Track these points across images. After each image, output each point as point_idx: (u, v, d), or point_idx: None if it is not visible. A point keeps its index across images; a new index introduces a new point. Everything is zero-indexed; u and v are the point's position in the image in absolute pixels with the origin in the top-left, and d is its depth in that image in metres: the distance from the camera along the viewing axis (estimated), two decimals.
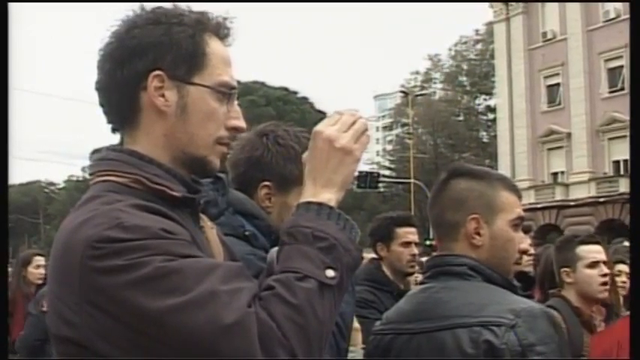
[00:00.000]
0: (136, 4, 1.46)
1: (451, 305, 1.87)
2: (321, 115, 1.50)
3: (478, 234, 1.97)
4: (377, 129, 72.26)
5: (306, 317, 1.24)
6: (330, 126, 1.43)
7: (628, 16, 25.65)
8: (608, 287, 3.48)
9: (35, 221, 72.02)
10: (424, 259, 4.18)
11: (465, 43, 50.43)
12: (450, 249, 2.01)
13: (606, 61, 32.83)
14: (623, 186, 29.92)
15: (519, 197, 2.07)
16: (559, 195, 33.91)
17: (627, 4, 27.15)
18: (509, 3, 37.29)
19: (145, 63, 1.40)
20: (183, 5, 1.47)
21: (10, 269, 6.39)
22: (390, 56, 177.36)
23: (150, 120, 1.43)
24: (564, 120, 34.30)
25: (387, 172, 47.13)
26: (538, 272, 4.12)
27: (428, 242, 19.56)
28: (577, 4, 33.47)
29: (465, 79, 51.25)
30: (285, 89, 56.35)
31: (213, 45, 1.45)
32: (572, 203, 33.16)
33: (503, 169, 33.55)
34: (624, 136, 29.86)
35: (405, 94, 46.67)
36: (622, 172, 31.59)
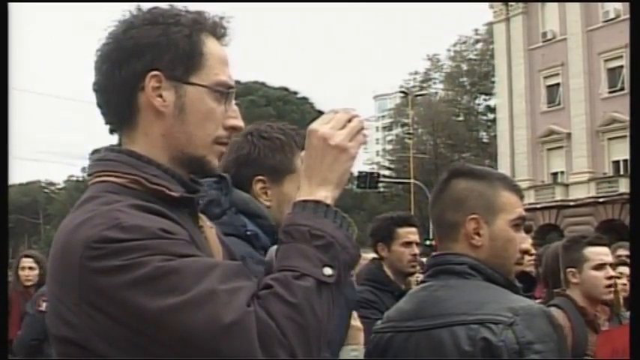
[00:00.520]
0: (133, 5, 1.47)
1: (450, 303, 1.87)
2: (321, 115, 1.49)
3: (478, 234, 1.97)
4: (377, 129, 72.29)
5: (305, 316, 1.24)
6: (325, 124, 1.43)
7: (628, 16, 25.67)
8: (613, 289, 3.48)
9: (35, 221, 71.99)
10: (424, 259, 4.18)
11: (464, 42, 50.44)
12: (450, 249, 2.01)
13: (606, 61, 32.84)
14: (623, 186, 29.92)
15: (521, 197, 2.07)
16: (559, 195, 33.92)
17: (627, 4, 27.16)
18: (509, 3, 37.28)
19: (142, 63, 1.40)
20: (179, 5, 1.47)
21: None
22: (390, 56, 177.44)
23: (148, 120, 1.43)
24: (564, 120, 34.30)
25: (386, 173, 47.11)
26: (542, 271, 4.13)
27: (428, 242, 19.55)
28: (577, 5, 33.47)
29: (465, 79, 51.23)
30: (285, 89, 56.35)
31: (210, 45, 1.45)
32: (571, 203, 33.16)
33: (503, 169, 33.52)
34: (624, 137, 29.86)
35: (405, 94, 46.67)
36: (622, 172, 31.58)
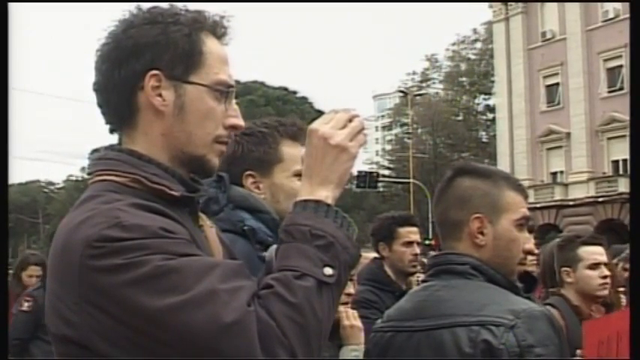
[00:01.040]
0: (133, 4, 1.46)
1: (451, 304, 1.86)
2: (321, 115, 1.49)
3: (481, 233, 1.95)
4: (376, 129, 72.29)
5: (305, 316, 1.24)
6: (325, 124, 1.43)
7: (627, 15, 25.68)
8: (607, 287, 3.49)
9: (34, 221, 71.99)
10: (424, 259, 4.17)
11: (463, 42, 50.44)
12: (452, 248, 2.00)
13: (605, 60, 32.83)
14: (622, 186, 29.93)
15: (525, 197, 2.06)
16: (558, 195, 33.92)
17: (626, 4, 27.17)
18: (509, 3, 37.28)
19: (142, 63, 1.40)
20: (179, 5, 1.47)
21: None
22: (389, 56, 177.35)
23: (148, 120, 1.43)
24: (563, 120, 34.31)
25: (386, 172, 47.14)
26: (539, 270, 4.13)
27: (427, 242, 19.56)
28: (576, 4, 33.47)
29: (464, 79, 51.22)
30: (285, 89, 56.38)
31: (210, 44, 1.45)
32: (571, 203, 33.16)
33: (503, 168, 33.17)
34: (623, 136, 29.87)
35: (405, 94, 46.67)
36: (621, 172, 31.59)
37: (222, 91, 1.45)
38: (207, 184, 1.66)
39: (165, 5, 1.47)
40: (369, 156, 59.17)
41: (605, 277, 3.47)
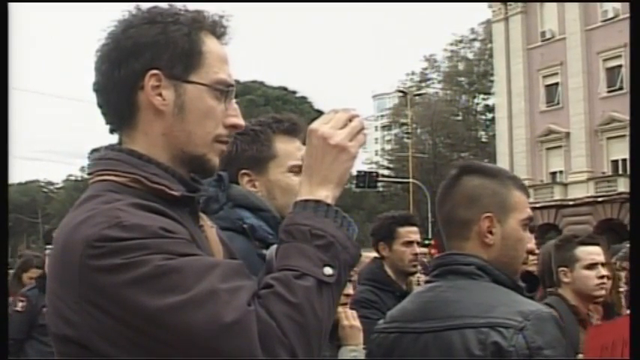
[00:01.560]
0: (132, 4, 1.46)
1: (459, 305, 1.85)
2: (320, 115, 1.49)
3: (490, 232, 1.94)
4: (376, 129, 72.24)
5: (306, 315, 1.24)
6: (325, 123, 1.43)
7: (627, 15, 25.69)
8: (604, 286, 3.49)
9: (34, 221, 71.93)
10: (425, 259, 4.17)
11: (461, 41, 50.45)
12: (460, 247, 1.98)
13: (605, 60, 32.83)
14: (622, 185, 29.93)
15: (528, 196, 2.06)
16: (558, 194, 33.92)
17: (626, 3, 27.19)
18: (508, 3, 37.28)
19: (141, 63, 1.40)
20: (179, 5, 1.47)
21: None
22: (389, 56, 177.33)
23: (148, 119, 1.43)
24: (563, 119, 34.31)
25: (385, 172, 47.16)
26: (538, 270, 4.13)
27: (427, 242, 19.56)
28: (576, 4, 33.46)
29: (463, 78, 51.24)
30: (284, 89, 56.43)
31: (210, 43, 1.45)
32: (570, 203, 33.16)
33: None
34: (623, 136, 29.88)
35: (404, 93, 46.68)
36: (620, 172, 31.59)
37: (222, 90, 1.45)
38: (207, 184, 1.66)
39: (164, 5, 1.47)
40: (369, 156, 59.19)
41: (602, 277, 3.48)
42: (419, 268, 4.28)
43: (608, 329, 3.09)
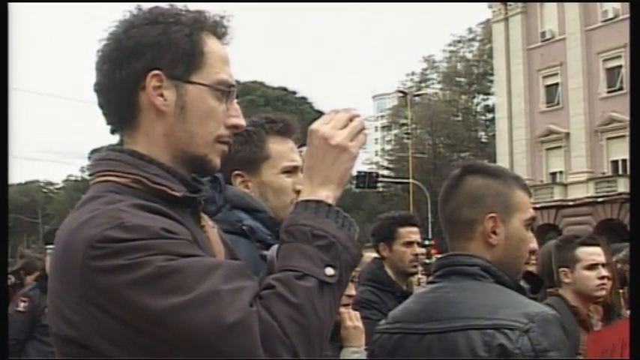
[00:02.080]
0: (133, 5, 1.46)
1: (464, 306, 1.85)
2: (320, 115, 1.49)
3: (494, 233, 1.94)
4: (375, 129, 72.28)
5: (307, 316, 1.24)
6: (325, 124, 1.43)
7: (627, 15, 25.68)
8: (604, 287, 3.49)
9: (34, 221, 71.95)
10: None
11: (459, 42, 50.48)
12: (463, 247, 1.97)
13: (605, 60, 32.83)
14: (622, 186, 29.93)
15: (530, 196, 2.06)
16: (558, 195, 33.91)
17: (626, 4, 27.18)
18: (508, 3, 37.29)
19: (143, 63, 1.40)
20: (180, 5, 1.47)
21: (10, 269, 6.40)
22: (389, 56, 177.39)
23: (149, 120, 1.43)
24: (563, 120, 34.31)
25: (385, 172, 47.14)
26: (538, 270, 4.13)
27: (427, 242, 19.56)
28: (576, 4, 33.46)
29: (462, 79, 51.26)
30: (284, 89, 56.44)
31: (211, 44, 1.45)
32: (570, 203, 33.15)
33: None
34: (623, 136, 29.88)
35: (404, 94, 46.68)
36: (620, 172, 31.59)
37: (224, 90, 1.45)
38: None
39: (165, 5, 1.47)
40: (369, 156, 59.23)
41: (602, 277, 3.47)
42: (420, 268, 4.28)
43: (608, 334, 3.11)
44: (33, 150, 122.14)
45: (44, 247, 5.77)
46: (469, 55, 50.99)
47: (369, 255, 4.33)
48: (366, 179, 30.91)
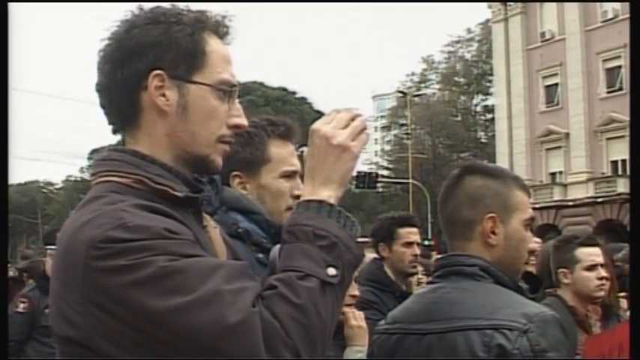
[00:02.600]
0: (134, 4, 1.46)
1: (463, 306, 1.85)
2: (320, 116, 1.49)
3: (493, 233, 1.94)
4: (375, 129, 72.22)
5: (309, 316, 1.24)
6: (327, 123, 1.43)
7: (626, 16, 25.68)
8: (603, 288, 3.49)
9: (33, 221, 71.96)
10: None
11: (458, 42, 50.50)
12: (463, 248, 1.98)
13: (604, 61, 32.82)
14: (622, 186, 29.93)
15: (529, 196, 2.06)
16: (557, 195, 33.91)
17: (625, 4, 27.18)
18: (508, 3, 37.29)
19: (144, 63, 1.40)
20: (181, 5, 1.47)
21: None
22: (388, 56, 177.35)
23: (151, 120, 1.43)
24: (562, 120, 34.30)
25: (385, 173, 47.15)
26: (537, 271, 4.14)
27: (427, 242, 19.54)
28: (575, 5, 33.46)
29: (461, 79, 51.28)
30: (284, 89, 56.46)
31: (213, 43, 1.45)
32: (570, 203, 33.15)
33: None
34: (622, 136, 29.89)
35: (404, 94, 46.69)
36: (620, 172, 31.59)
37: (226, 90, 1.45)
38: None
39: (167, 5, 1.47)
40: (369, 156, 59.20)
41: (601, 278, 3.47)
42: (420, 268, 4.28)
43: (606, 338, 3.13)
44: (33, 150, 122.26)
45: (44, 248, 5.78)
46: (468, 56, 51.01)
47: (369, 255, 4.33)
48: (366, 179, 30.88)
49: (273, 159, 2.21)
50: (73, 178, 71.74)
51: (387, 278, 4.10)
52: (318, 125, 1.43)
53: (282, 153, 2.22)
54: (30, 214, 71.53)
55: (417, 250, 4.20)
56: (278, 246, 1.39)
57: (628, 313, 3.67)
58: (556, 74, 34.98)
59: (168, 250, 1.24)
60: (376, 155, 61.04)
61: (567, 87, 34.15)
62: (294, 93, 56.71)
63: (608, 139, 32.62)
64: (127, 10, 1.45)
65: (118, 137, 1.51)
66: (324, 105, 60.33)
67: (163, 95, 1.41)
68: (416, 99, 47.98)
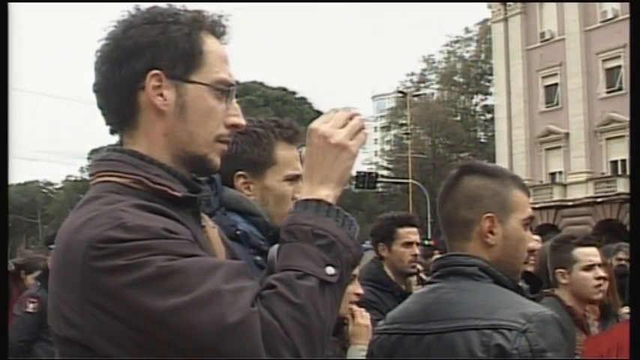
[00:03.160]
0: (131, 4, 1.46)
1: (462, 307, 1.85)
2: (320, 116, 1.49)
3: (491, 233, 1.94)
4: (375, 129, 72.21)
5: (309, 316, 1.24)
6: (325, 123, 1.43)
7: (626, 16, 25.68)
8: (601, 288, 3.49)
9: (33, 221, 71.94)
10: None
11: (457, 42, 50.49)
12: (461, 248, 1.98)
13: (604, 61, 32.82)
14: (621, 186, 29.94)
15: (529, 196, 2.06)
16: (557, 195, 33.91)
17: (625, 4, 27.18)
18: (508, 3, 37.29)
19: (142, 63, 1.39)
20: (178, 5, 1.47)
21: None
22: (388, 56, 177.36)
23: (149, 120, 1.43)
24: (562, 120, 34.30)
25: (385, 173, 47.16)
26: (535, 271, 4.14)
27: (427, 242, 19.53)
28: (575, 5, 33.46)
29: (461, 79, 51.27)
30: (284, 89, 56.50)
31: (210, 43, 1.45)
32: (570, 203, 33.15)
33: None
34: (622, 136, 29.90)
35: (403, 94, 46.68)
36: (620, 172, 31.59)
37: (223, 89, 1.45)
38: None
39: (164, 5, 1.47)
40: (368, 156, 59.25)
41: (599, 278, 3.48)
42: (421, 268, 4.28)
43: (605, 338, 3.14)
44: (33, 150, 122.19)
45: (44, 248, 5.78)
46: (467, 55, 51.00)
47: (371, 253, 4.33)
48: (366, 179, 30.85)
49: (279, 161, 2.21)
50: (72, 178, 71.73)
51: (387, 278, 4.10)
52: (316, 124, 1.43)
53: (288, 156, 2.22)
54: (30, 214, 71.52)
55: (417, 250, 4.20)
56: (276, 246, 1.39)
57: (627, 311, 3.68)
58: (556, 74, 34.99)
59: (168, 249, 1.24)
60: (376, 155, 61.04)
61: (567, 87, 34.16)
62: (293, 93, 56.75)
63: (608, 139, 32.62)
64: (123, 10, 1.45)
65: (117, 137, 1.51)
66: (323, 105, 60.33)
67: (161, 95, 1.41)
68: (415, 99, 47.96)
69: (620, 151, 30.58)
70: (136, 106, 1.42)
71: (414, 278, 4.47)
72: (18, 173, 76.30)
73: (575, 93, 33.72)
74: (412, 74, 53.27)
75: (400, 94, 47.99)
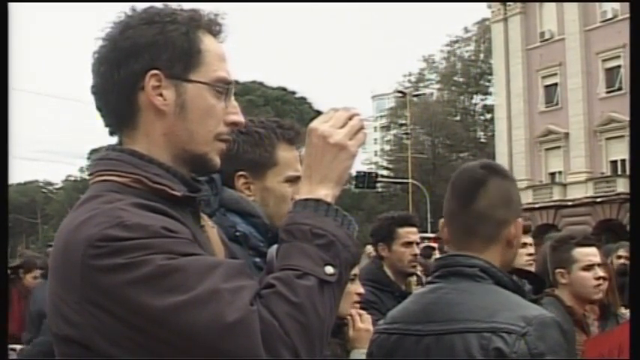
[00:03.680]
0: (127, 5, 1.46)
1: (462, 308, 1.84)
2: (319, 115, 1.49)
3: (516, 237, 1.97)
4: (375, 129, 72.20)
5: (308, 315, 1.24)
6: (324, 122, 1.43)
7: (626, 16, 25.68)
8: (601, 288, 3.50)
9: (33, 221, 71.96)
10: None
11: (457, 42, 50.48)
12: (480, 248, 1.94)
13: (604, 61, 32.83)
14: (621, 186, 29.94)
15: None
16: (557, 195, 33.91)
17: (625, 4, 27.18)
18: (507, 3, 37.29)
19: (141, 63, 1.39)
20: (174, 4, 1.47)
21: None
22: (388, 56, 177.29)
23: (149, 120, 1.43)
24: (562, 120, 34.30)
25: (385, 172, 47.15)
26: (536, 271, 4.14)
27: (426, 242, 19.50)
28: (575, 4, 33.46)
29: (461, 79, 51.26)
30: (284, 89, 56.49)
31: (208, 42, 1.45)
32: (569, 203, 33.15)
33: None
34: (622, 136, 29.90)
35: (403, 94, 46.67)
36: (619, 172, 31.60)
37: (222, 88, 1.45)
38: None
39: (160, 5, 1.46)
40: (368, 156, 59.23)
41: (599, 278, 3.48)
42: (420, 268, 4.28)
43: (605, 339, 3.14)
44: (32, 150, 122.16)
45: (44, 248, 5.77)
46: (466, 55, 50.99)
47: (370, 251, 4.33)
48: (366, 179, 30.78)
49: (280, 163, 2.20)
50: (72, 178, 71.77)
51: (387, 278, 4.10)
52: (315, 124, 1.43)
53: (289, 157, 2.21)
54: (30, 214, 71.54)
55: (417, 250, 4.21)
56: (276, 245, 1.39)
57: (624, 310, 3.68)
58: (555, 74, 34.99)
59: (167, 248, 1.24)
60: (376, 155, 61.01)
61: (567, 87, 34.15)
62: (293, 93, 56.75)
63: (608, 139, 32.63)
64: (120, 11, 1.45)
65: (117, 138, 1.51)
66: (323, 105, 60.35)
67: (161, 95, 1.41)
68: (415, 99, 47.95)
69: (620, 151, 30.59)
70: (136, 107, 1.42)
71: (413, 278, 4.47)
72: (18, 173, 76.26)
73: (575, 93, 33.72)
74: (411, 74, 53.34)
75: (400, 94, 47.94)
